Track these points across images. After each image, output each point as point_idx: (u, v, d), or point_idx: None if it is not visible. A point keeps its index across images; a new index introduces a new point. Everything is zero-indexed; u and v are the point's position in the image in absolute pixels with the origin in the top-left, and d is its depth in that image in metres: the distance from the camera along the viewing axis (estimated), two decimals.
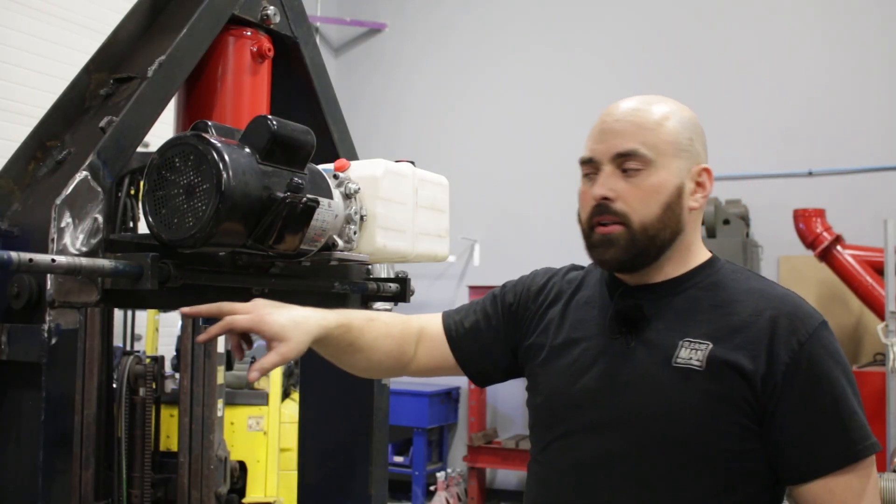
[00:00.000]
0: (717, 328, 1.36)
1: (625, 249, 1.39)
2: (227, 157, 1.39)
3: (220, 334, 1.39)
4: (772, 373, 1.31)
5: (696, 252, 1.47)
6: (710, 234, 5.71)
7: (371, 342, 1.55)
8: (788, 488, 1.37)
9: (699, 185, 1.43)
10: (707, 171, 1.44)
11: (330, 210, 1.61)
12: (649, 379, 1.37)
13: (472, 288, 6.49)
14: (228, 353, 4.65)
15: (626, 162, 1.38)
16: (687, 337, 1.37)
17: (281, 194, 1.46)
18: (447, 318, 1.65)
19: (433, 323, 1.65)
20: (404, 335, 1.61)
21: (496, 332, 1.61)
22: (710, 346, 1.34)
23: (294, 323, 1.39)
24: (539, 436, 1.51)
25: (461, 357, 1.62)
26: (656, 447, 1.35)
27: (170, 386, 4.27)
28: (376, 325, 1.57)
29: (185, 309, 1.42)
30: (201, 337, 1.41)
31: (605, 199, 1.39)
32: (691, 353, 1.35)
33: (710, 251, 1.50)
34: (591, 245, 1.43)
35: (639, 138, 1.38)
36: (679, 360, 1.35)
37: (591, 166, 1.43)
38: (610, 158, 1.40)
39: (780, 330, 1.33)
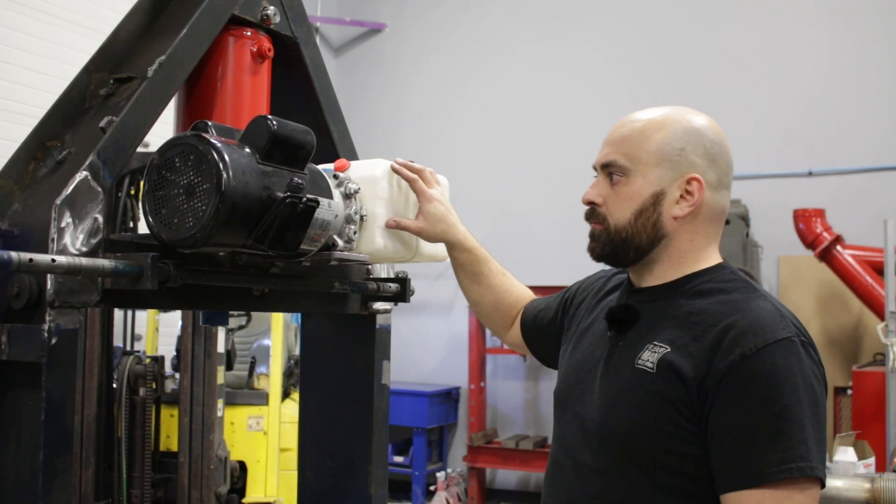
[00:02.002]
0: (680, 335, 1.40)
1: (602, 245, 1.51)
2: (227, 157, 1.39)
3: (410, 172, 1.79)
4: (707, 380, 1.33)
5: (694, 259, 1.49)
6: None
7: (492, 285, 1.91)
8: None
9: (687, 193, 1.46)
10: (697, 180, 1.45)
11: (330, 210, 1.61)
12: (616, 377, 1.46)
13: None
14: (228, 352, 4.65)
15: (610, 170, 1.50)
16: (655, 340, 1.42)
17: (281, 194, 1.46)
18: (526, 310, 1.91)
19: (522, 308, 1.93)
20: (518, 303, 1.94)
21: (552, 326, 1.80)
22: (667, 350, 1.39)
23: (442, 219, 1.78)
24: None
25: (532, 349, 1.90)
26: (611, 442, 1.42)
27: (170, 386, 4.27)
28: (504, 279, 1.93)
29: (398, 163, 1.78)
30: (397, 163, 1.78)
31: (592, 203, 1.53)
32: (649, 356, 1.41)
33: (722, 259, 1.52)
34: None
35: (621, 149, 1.49)
36: (639, 362, 1.42)
37: (596, 172, 1.56)
38: (600, 167, 1.53)
39: (727, 340, 1.34)
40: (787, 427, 1.28)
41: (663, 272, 1.49)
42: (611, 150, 1.50)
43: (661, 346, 1.40)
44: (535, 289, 1.99)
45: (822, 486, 1.31)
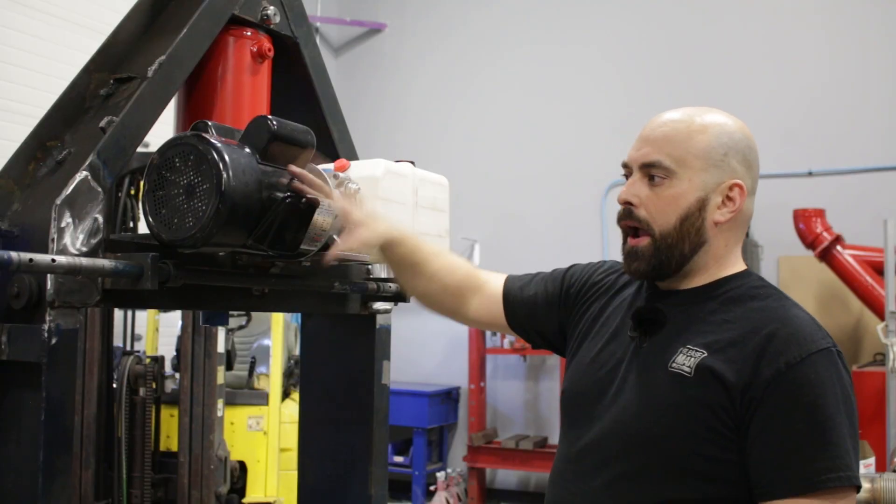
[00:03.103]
0: (716, 339, 1.39)
1: (647, 261, 1.45)
2: (227, 157, 1.39)
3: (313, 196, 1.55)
4: (751, 387, 1.33)
5: (726, 264, 1.48)
6: None
7: (434, 272, 1.73)
8: None
9: (728, 199, 1.45)
10: (739, 186, 1.44)
11: (330, 210, 1.61)
12: (646, 379, 1.43)
13: None
14: (228, 352, 4.65)
15: (651, 171, 1.44)
16: (688, 344, 1.40)
17: (281, 194, 1.46)
18: (509, 281, 1.78)
19: (495, 281, 1.78)
20: (467, 279, 1.77)
21: (550, 307, 1.71)
22: (704, 354, 1.38)
23: (372, 217, 1.62)
24: (560, 423, 1.61)
25: (512, 321, 1.76)
26: (641, 445, 1.40)
27: (170, 386, 4.27)
28: (443, 259, 1.75)
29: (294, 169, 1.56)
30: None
31: (629, 203, 1.46)
32: (685, 360, 1.39)
33: (746, 265, 1.51)
34: (624, 254, 1.50)
35: (666, 150, 1.44)
36: (674, 365, 1.39)
37: (627, 170, 1.50)
38: (639, 166, 1.46)
39: (770, 348, 1.34)
40: (832, 436, 1.29)
41: (698, 278, 1.48)
42: (652, 149, 1.45)
43: (696, 351, 1.38)
44: None
45: (858, 492, 1.33)
